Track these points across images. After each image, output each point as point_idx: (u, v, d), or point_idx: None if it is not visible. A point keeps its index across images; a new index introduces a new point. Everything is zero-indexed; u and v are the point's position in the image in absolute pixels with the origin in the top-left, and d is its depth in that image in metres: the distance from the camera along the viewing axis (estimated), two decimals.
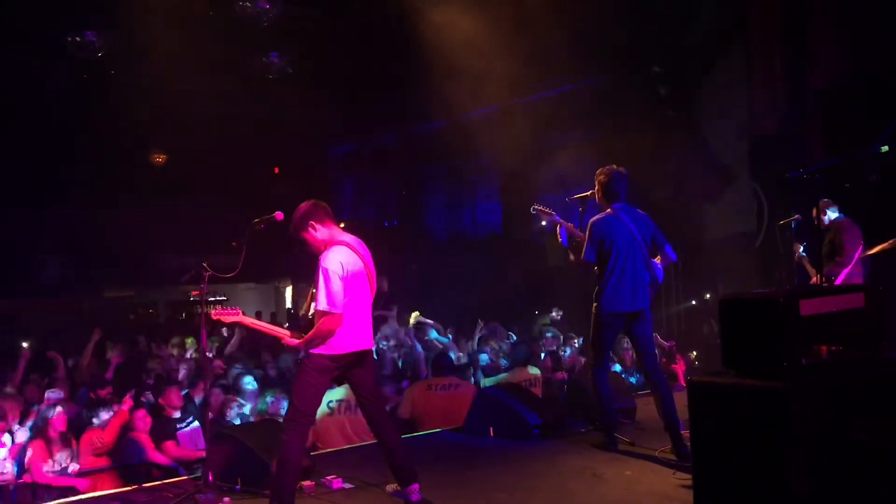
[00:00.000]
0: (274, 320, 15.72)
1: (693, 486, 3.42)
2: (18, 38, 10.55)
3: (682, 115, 10.85)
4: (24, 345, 8.74)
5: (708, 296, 10.85)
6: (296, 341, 4.75)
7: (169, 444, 6.68)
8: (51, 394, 7.00)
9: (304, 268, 4.68)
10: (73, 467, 6.10)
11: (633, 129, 10.42)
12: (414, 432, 6.99)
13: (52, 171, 15.19)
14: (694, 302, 11.14)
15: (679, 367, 9.85)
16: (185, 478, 5.84)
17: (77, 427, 6.67)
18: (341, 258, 4.66)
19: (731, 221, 10.69)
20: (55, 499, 5.56)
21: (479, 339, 10.39)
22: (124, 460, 6.43)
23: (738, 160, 10.67)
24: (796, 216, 7.46)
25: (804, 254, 7.63)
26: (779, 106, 10.20)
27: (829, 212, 7.19)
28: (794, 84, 9.95)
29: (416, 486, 4.86)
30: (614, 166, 5.99)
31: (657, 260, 6.07)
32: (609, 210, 5.91)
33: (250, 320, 5.18)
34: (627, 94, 10.96)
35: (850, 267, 6.98)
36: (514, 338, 10.93)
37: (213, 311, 5.11)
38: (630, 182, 6.01)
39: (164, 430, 6.77)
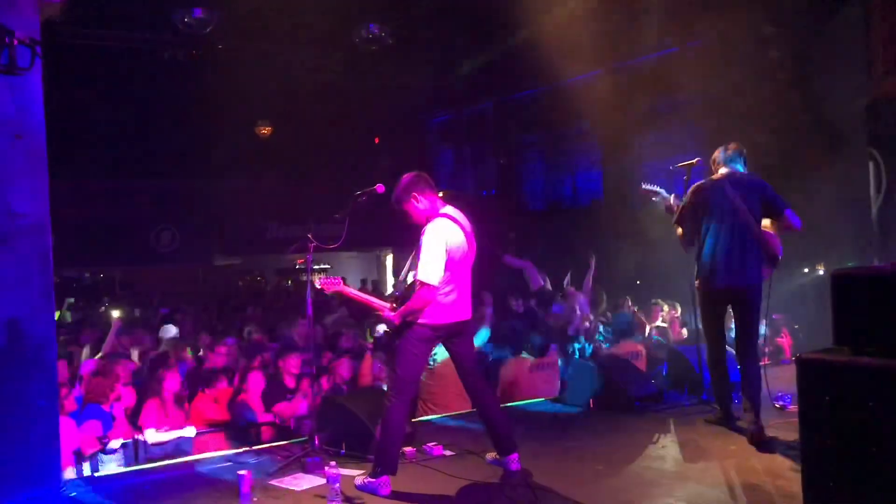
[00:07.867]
0: (376, 288, 16.05)
1: (802, 466, 3.31)
2: (131, 16, 11.02)
3: (793, 77, 10.31)
4: None
5: (821, 270, 10.36)
6: (393, 315, 4.83)
7: (279, 407, 6.90)
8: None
9: (405, 236, 4.75)
10: (188, 430, 6.39)
11: (740, 92, 9.98)
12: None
13: (166, 145, 15.87)
14: (804, 271, 10.67)
15: (785, 341, 9.57)
16: (293, 441, 6.07)
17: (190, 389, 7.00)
18: (444, 231, 4.69)
19: (843, 188, 10.11)
20: (168, 457, 5.88)
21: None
22: (235, 422, 6.72)
23: (852, 123, 10.06)
24: None
25: None
26: None
27: None
28: None
29: (515, 456, 4.91)
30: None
31: (772, 228, 5.68)
32: (715, 176, 5.66)
33: (351, 291, 5.35)
34: (736, 56, 10.48)
35: None
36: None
37: (318, 280, 5.29)
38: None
39: (276, 394, 7.00)
